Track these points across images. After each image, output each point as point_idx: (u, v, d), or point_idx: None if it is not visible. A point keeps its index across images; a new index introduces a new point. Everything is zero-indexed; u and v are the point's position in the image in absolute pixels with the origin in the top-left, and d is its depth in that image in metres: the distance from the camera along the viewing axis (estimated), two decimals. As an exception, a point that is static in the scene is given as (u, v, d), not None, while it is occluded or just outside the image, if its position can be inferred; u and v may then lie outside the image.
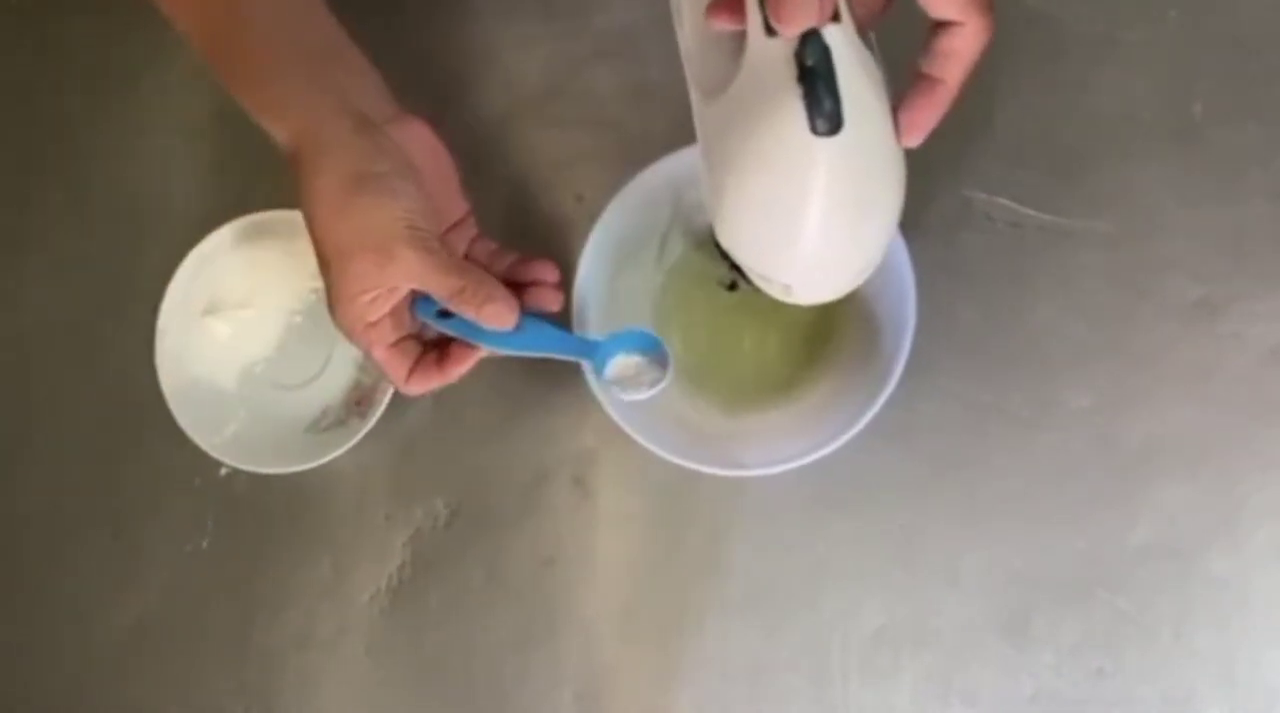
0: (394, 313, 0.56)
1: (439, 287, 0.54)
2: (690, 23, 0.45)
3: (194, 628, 0.69)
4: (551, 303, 0.58)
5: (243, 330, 0.69)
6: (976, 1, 0.41)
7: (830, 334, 0.62)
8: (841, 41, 0.38)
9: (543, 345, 0.57)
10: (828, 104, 0.38)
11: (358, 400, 0.67)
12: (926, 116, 0.43)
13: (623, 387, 0.56)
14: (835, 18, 0.39)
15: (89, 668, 0.70)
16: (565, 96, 0.68)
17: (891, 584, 0.62)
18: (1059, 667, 0.59)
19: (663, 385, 0.56)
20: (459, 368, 0.57)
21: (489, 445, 0.66)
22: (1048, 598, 0.60)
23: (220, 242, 0.68)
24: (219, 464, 0.68)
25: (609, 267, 0.61)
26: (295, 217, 0.66)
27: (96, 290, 0.73)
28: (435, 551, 0.67)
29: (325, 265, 0.54)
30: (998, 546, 0.61)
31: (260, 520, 0.69)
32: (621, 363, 0.57)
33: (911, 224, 0.56)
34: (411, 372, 0.57)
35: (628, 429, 0.58)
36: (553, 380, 0.65)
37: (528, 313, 0.57)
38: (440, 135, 0.58)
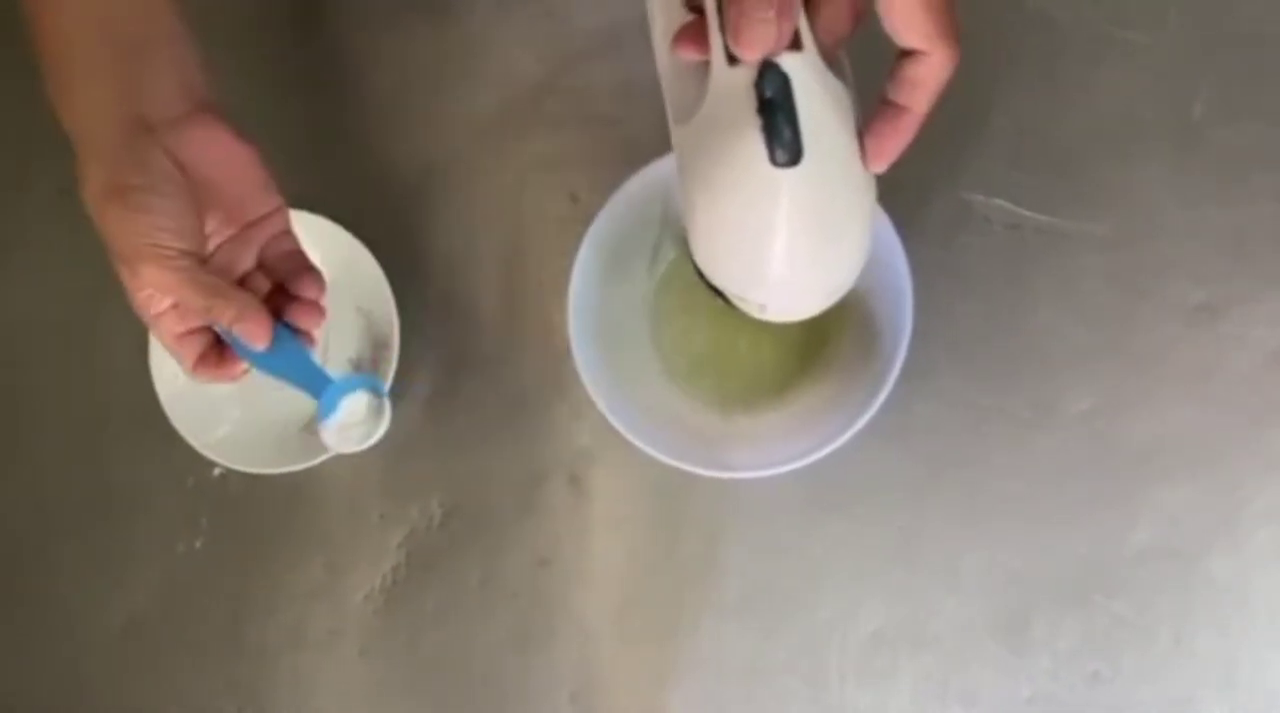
0: (176, 308, 0.55)
1: (188, 302, 0.53)
2: (660, 48, 0.45)
3: (187, 628, 0.69)
4: (309, 321, 0.57)
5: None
6: (943, 31, 0.41)
7: (827, 337, 0.62)
8: (802, 70, 0.38)
9: (286, 372, 0.57)
10: (786, 135, 0.38)
11: (352, 400, 0.67)
12: (892, 144, 0.43)
13: (341, 433, 0.58)
14: (796, 45, 0.39)
15: (82, 668, 0.70)
16: (559, 95, 0.67)
17: (889, 586, 0.61)
18: (1057, 670, 0.59)
19: (374, 440, 0.58)
20: (238, 366, 0.57)
21: (484, 445, 0.66)
22: (1046, 600, 0.60)
23: (213, 240, 0.67)
24: (212, 464, 0.68)
25: (602, 273, 0.61)
26: (291, 215, 0.67)
27: (88, 289, 0.72)
28: (430, 551, 0.66)
29: (109, 254, 0.54)
30: (996, 547, 0.60)
31: (254, 520, 0.68)
32: (350, 405, 0.58)
33: (910, 226, 0.56)
34: (198, 361, 0.56)
35: (623, 431, 0.58)
36: (548, 381, 0.65)
37: (291, 336, 0.57)
38: (237, 129, 0.57)
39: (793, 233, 0.41)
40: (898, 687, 0.61)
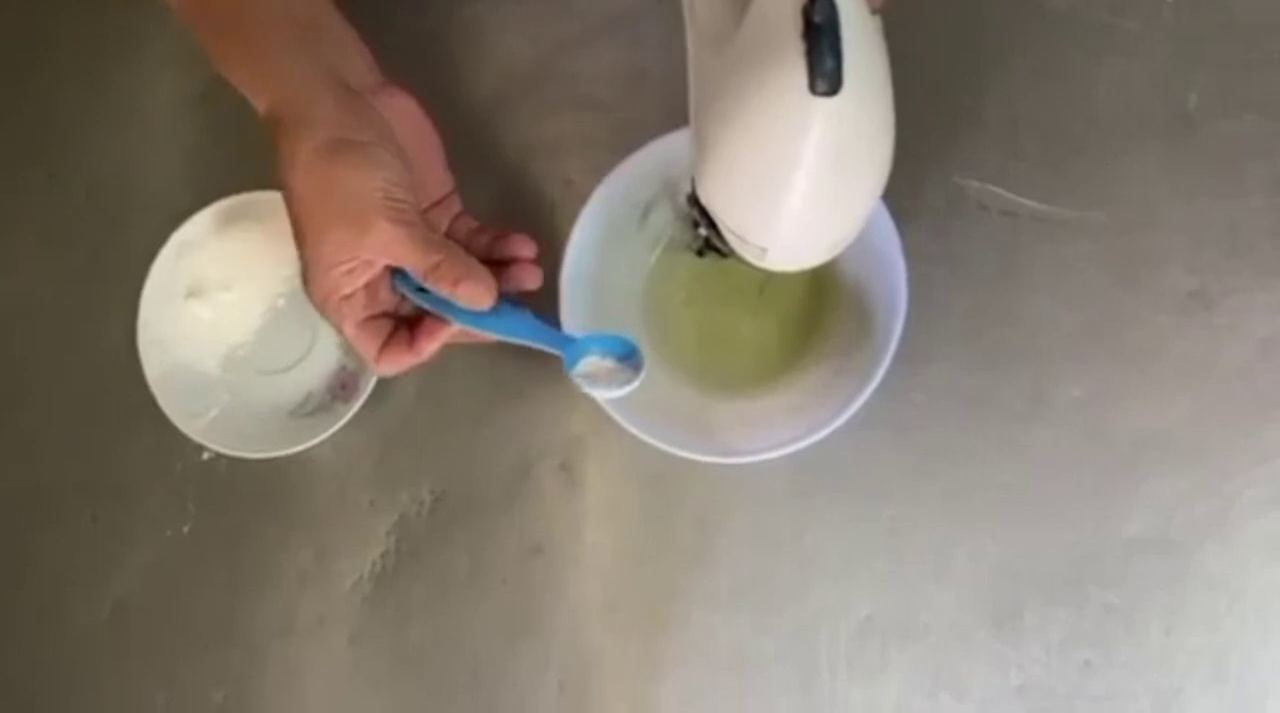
0: (368, 287, 0.54)
1: (415, 261, 0.53)
2: None
3: (175, 614, 0.68)
4: (530, 280, 0.57)
5: (225, 314, 0.69)
6: None
7: (821, 322, 0.61)
8: (852, 4, 0.38)
9: (518, 332, 0.56)
10: (830, 63, 0.37)
11: (342, 385, 0.67)
12: None
13: (590, 382, 0.55)
14: None
15: (69, 653, 0.69)
16: (555, 80, 0.67)
17: (880, 576, 0.61)
18: (1048, 661, 0.59)
19: (631, 388, 0.54)
20: (430, 344, 0.56)
21: (475, 431, 0.66)
22: (1037, 591, 0.59)
23: (202, 225, 0.67)
24: (201, 448, 0.67)
25: (597, 256, 0.61)
26: (277, 198, 0.66)
27: (77, 275, 0.72)
28: (420, 538, 0.66)
29: (300, 237, 0.53)
30: (988, 538, 0.60)
31: (242, 506, 0.68)
32: (593, 363, 0.55)
33: (905, 212, 0.55)
34: (383, 349, 0.55)
35: (617, 417, 0.57)
36: (540, 366, 0.65)
37: (507, 299, 0.56)
38: (427, 110, 0.57)
39: (817, 167, 0.40)
40: (888, 677, 0.60)
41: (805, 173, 0.40)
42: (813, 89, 0.38)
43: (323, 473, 0.67)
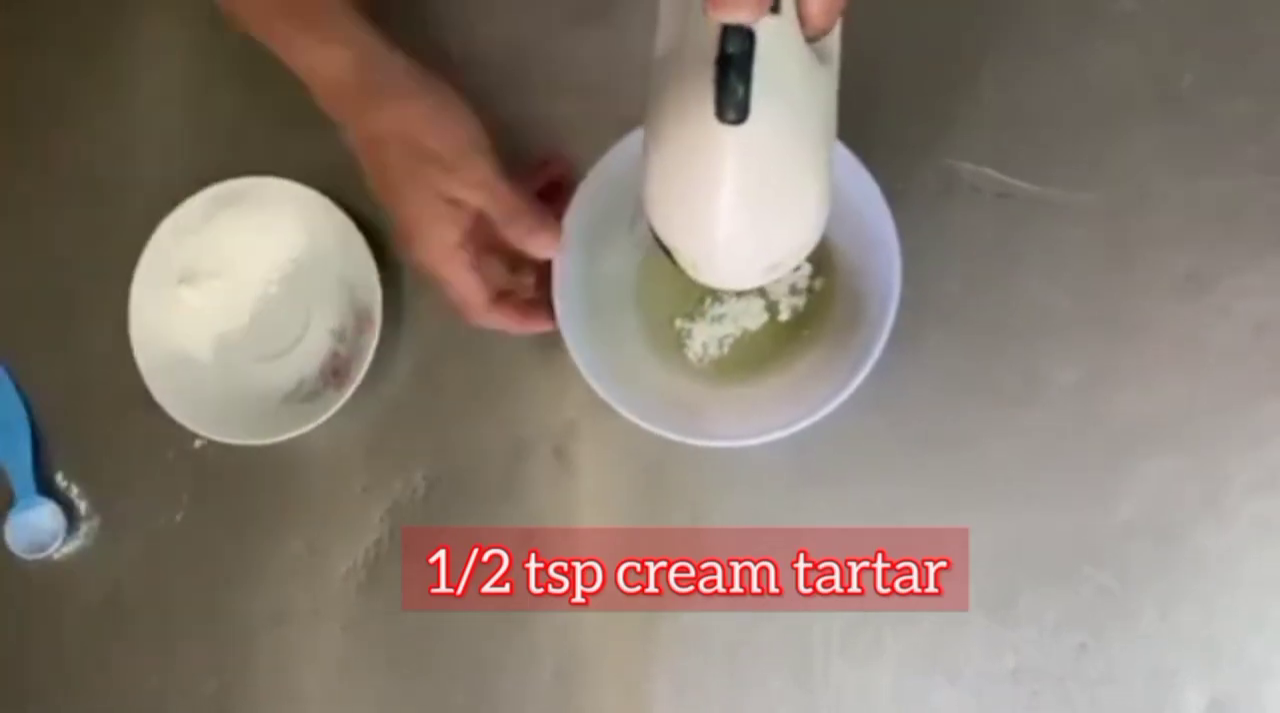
0: (471, 238, 0.57)
1: (501, 204, 0.56)
2: None
3: (168, 602, 0.68)
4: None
5: (217, 301, 0.69)
6: None
7: (815, 307, 0.61)
8: (773, 34, 0.38)
9: None
10: (738, 93, 0.38)
11: (334, 371, 0.66)
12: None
13: None
14: (776, 8, 0.38)
15: (62, 642, 0.69)
16: (547, 63, 0.67)
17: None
18: (1042, 643, 0.59)
19: None
20: (539, 326, 0.59)
21: (468, 417, 0.66)
22: (1032, 574, 0.59)
23: (193, 210, 0.67)
24: (193, 436, 0.67)
25: (588, 246, 0.60)
26: (268, 183, 0.66)
27: (68, 261, 0.72)
28: (414, 523, 0.66)
29: (393, 193, 0.56)
30: (983, 519, 0.60)
31: (235, 493, 0.68)
32: None
33: (898, 195, 0.55)
34: (495, 301, 0.58)
35: (612, 402, 0.57)
36: (533, 351, 0.65)
37: None
38: None
39: (729, 193, 0.41)
40: (883, 661, 0.60)
41: (717, 196, 0.41)
42: (720, 116, 0.38)
43: (316, 460, 0.67)
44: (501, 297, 0.59)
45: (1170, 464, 0.59)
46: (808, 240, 0.46)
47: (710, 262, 0.45)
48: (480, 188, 0.55)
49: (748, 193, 0.41)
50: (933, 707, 0.60)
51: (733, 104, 0.38)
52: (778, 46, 0.38)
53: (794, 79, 0.40)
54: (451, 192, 0.55)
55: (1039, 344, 0.60)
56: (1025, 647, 0.59)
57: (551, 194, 0.61)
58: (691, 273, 0.47)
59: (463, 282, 0.57)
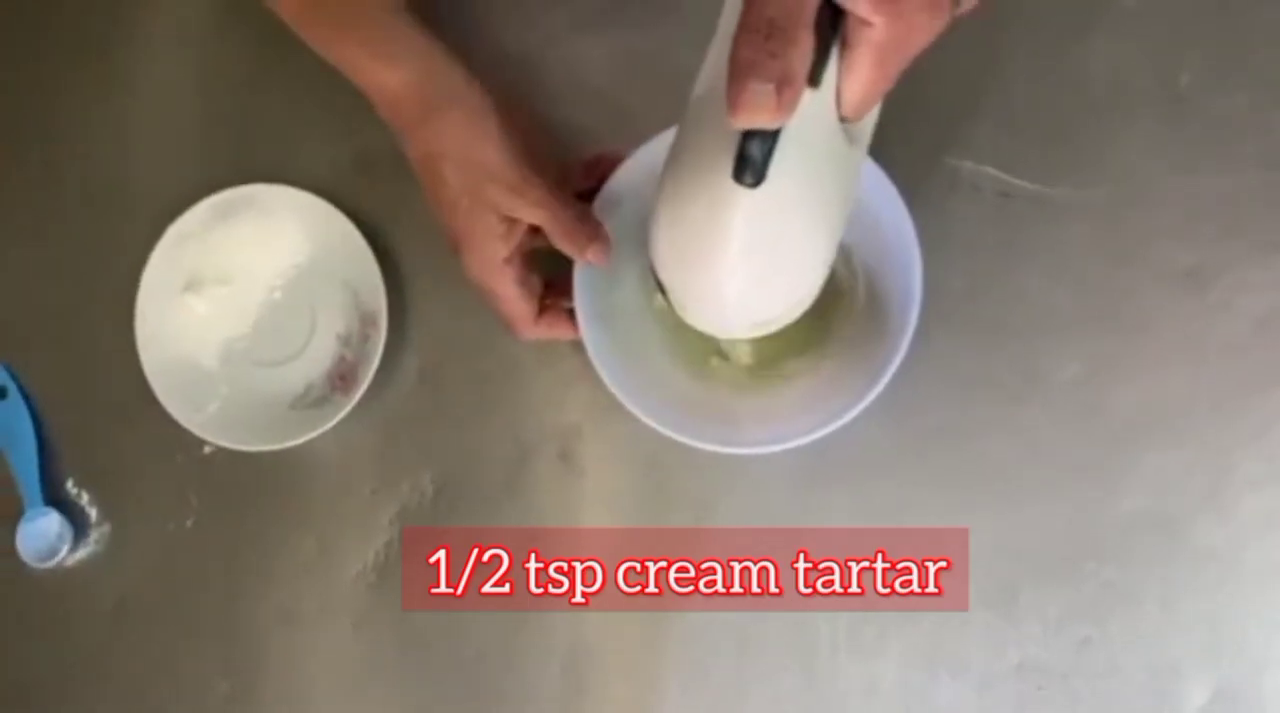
0: (520, 255, 0.57)
1: (557, 217, 0.56)
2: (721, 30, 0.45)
3: (178, 607, 0.68)
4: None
5: (223, 307, 0.69)
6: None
7: (833, 317, 0.61)
8: (807, 105, 0.38)
9: None
10: (757, 157, 0.38)
11: (341, 376, 0.67)
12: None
13: None
14: (815, 82, 0.38)
15: (73, 647, 0.69)
16: (553, 67, 0.66)
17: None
18: (1046, 638, 0.59)
19: None
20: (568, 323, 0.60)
21: (475, 421, 0.66)
22: (1035, 569, 0.60)
23: (198, 217, 0.67)
24: (202, 442, 0.67)
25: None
26: (274, 191, 0.66)
27: (74, 269, 0.72)
28: (422, 526, 0.66)
29: (451, 207, 0.56)
30: (985, 514, 0.60)
31: (244, 498, 0.68)
32: None
33: (900, 193, 0.55)
34: (540, 314, 0.59)
35: (628, 405, 0.57)
36: (538, 355, 0.65)
37: None
38: None
39: (730, 253, 0.41)
40: (887, 655, 0.61)
41: (720, 255, 0.42)
42: (736, 177, 0.38)
43: (324, 464, 0.67)
44: (544, 308, 0.60)
45: (1172, 458, 0.59)
46: (806, 298, 0.46)
47: (699, 309, 0.46)
48: (541, 207, 0.55)
49: (749, 255, 0.42)
50: (937, 703, 0.60)
51: (750, 169, 0.38)
52: (808, 119, 0.38)
53: (818, 154, 0.40)
54: (514, 212, 0.55)
55: (1040, 341, 0.61)
56: (1028, 642, 0.59)
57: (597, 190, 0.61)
58: (679, 313, 0.47)
59: (511, 296, 0.58)
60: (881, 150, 0.55)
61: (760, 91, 0.36)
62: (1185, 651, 0.58)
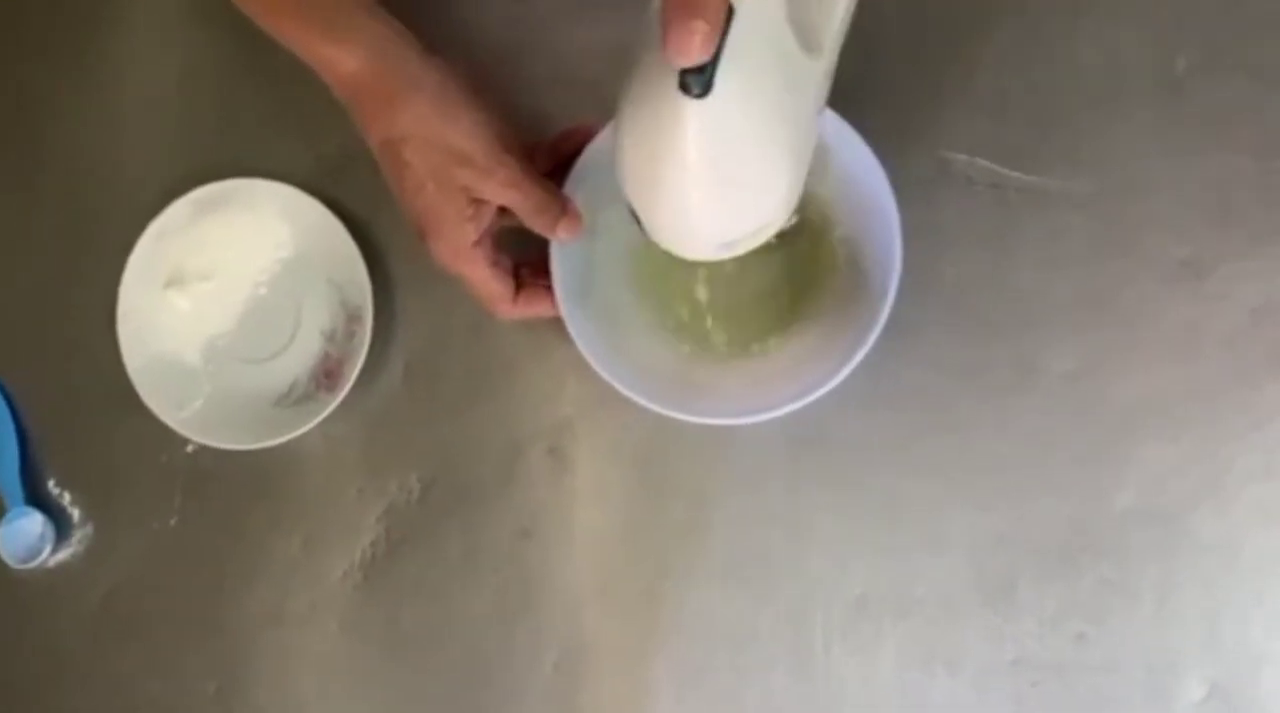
0: (490, 236, 0.57)
1: (527, 196, 0.55)
2: None
3: (164, 607, 0.68)
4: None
5: (205, 304, 0.68)
6: None
7: (814, 282, 0.60)
8: (754, 12, 0.38)
9: None
10: (702, 67, 0.37)
11: (326, 373, 0.66)
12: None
13: None
14: None
15: (57, 649, 0.69)
16: (536, 56, 0.66)
17: (874, 550, 0.61)
18: (1042, 633, 0.59)
19: None
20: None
21: (462, 417, 0.65)
22: (1031, 563, 0.59)
23: (180, 213, 0.66)
24: (185, 441, 0.67)
25: (585, 232, 0.59)
26: (256, 185, 0.66)
27: (55, 265, 0.71)
28: (409, 524, 0.66)
29: (415, 192, 0.55)
30: (981, 510, 0.60)
31: (229, 497, 0.67)
32: None
33: (891, 186, 0.55)
34: (517, 293, 0.59)
35: (609, 379, 0.56)
36: (527, 351, 0.64)
37: None
38: None
39: (688, 166, 0.41)
40: (882, 651, 0.60)
41: (678, 169, 0.41)
42: (683, 88, 0.38)
43: (310, 462, 0.66)
44: (521, 286, 0.59)
45: (1168, 451, 0.59)
46: (772, 220, 0.46)
47: (668, 230, 0.46)
48: (512, 187, 0.55)
49: (709, 167, 0.41)
50: (933, 699, 0.60)
51: (695, 78, 0.38)
52: (757, 27, 0.38)
53: (769, 60, 0.40)
54: (484, 193, 0.55)
55: (1035, 333, 0.60)
56: (1025, 638, 0.59)
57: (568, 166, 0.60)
58: (653, 238, 0.47)
59: (484, 277, 0.57)
60: (872, 141, 0.55)
61: (694, 30, 0.36)
62: (1182, 646, 0.58)
